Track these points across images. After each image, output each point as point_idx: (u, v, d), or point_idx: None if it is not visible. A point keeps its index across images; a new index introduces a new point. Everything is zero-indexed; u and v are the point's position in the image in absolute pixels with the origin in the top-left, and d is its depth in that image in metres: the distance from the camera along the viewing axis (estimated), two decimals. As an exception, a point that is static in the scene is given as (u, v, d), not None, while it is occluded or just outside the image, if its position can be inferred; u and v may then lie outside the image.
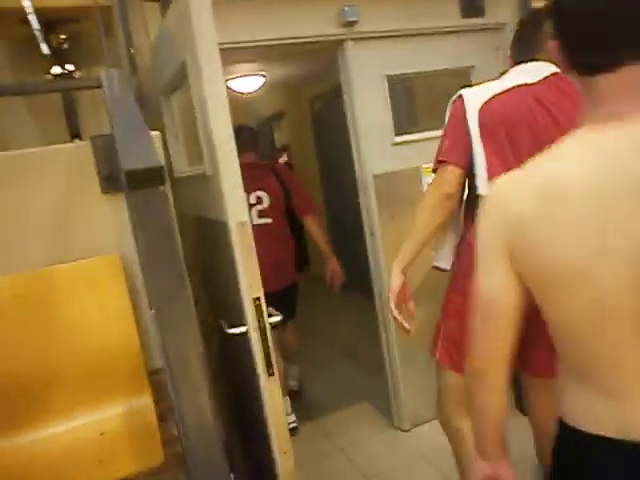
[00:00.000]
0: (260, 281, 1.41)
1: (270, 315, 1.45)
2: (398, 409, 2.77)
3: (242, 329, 1.42)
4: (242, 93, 4.17)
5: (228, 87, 4.00)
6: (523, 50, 1.61)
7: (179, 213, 1.81)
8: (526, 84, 1.54)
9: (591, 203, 0.73)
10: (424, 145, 2.63)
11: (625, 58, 0.71)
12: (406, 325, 1.64)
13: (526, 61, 1.58)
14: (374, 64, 2.55)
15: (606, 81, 0.74)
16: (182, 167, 2.07)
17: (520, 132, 1.49)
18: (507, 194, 0.82)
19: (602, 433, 0.81)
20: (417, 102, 3.21)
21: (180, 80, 1.70)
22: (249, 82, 4.03)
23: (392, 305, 1.65)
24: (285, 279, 2.83)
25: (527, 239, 0.78)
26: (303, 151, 5.84)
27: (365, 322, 3.58)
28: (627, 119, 0.73)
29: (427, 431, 2.66)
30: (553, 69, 1.51)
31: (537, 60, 1.54)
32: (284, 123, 6.16)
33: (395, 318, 1.65)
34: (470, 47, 2.72)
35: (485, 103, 1.54)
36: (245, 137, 2.77)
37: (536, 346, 1.29)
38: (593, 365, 0.81)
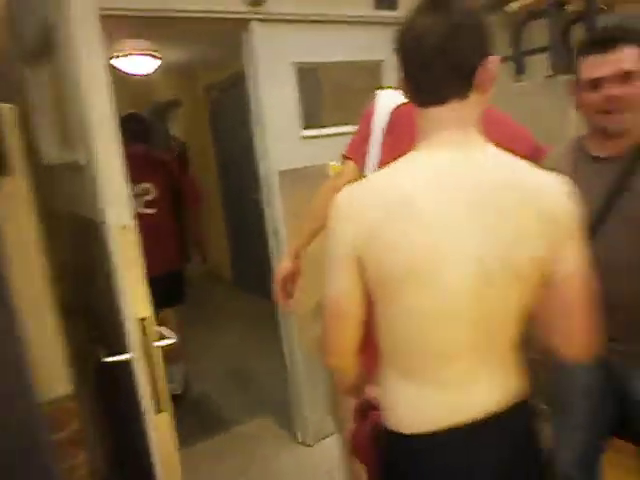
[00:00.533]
0: (148, 298, 1.15)
1: (162, 338, 1.20)
2: (301, 422, 2.59)
3: (124, 357, 1.15)
4: (132, 75, 3.76)
5: (116, 67, 3.58)
6: None
7: (50, 210, 1.48)
8: None
9: (429, 214, 0.83)
10: (331, 141, 2.49)
11: (446, 97, 0.86)
12: (288, 306, 1.71)
13: None
14: (282, 50, 2.34)
15: (437, 114, 0.87)
16: (53, 153, 1.72)
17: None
18: (355, 203, 0.89)
19: (437, 429, 0.90)
20: (325, 96, 3.04)
21: (46, 44, 1.37)
22: (141, 63, 3.63)
23: (276, 285, 1.68)
24: (165, 265, 2.88)
25: (373, 245, 0.86)
26: (199, 143, 5.47)
27: (267, 327, 3.36)
28: (455, 143, 0.87)
29: (334, 444, 2.50)
30: None
31: None
32: (179, 112, 5.74)
33: (277, 298, 1.69)
34: (381, 40, 2.60)
35: (398, 106, 1.50)
36: (134, 128, 2.81)
37: None
38: (429, 362, 0.91)
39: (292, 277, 1.70)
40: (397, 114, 1.49)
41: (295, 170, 2.44)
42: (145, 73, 3.77)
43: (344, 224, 0.89)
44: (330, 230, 0.91)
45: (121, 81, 4.34)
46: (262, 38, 2.28)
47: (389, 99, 1.53)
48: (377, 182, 0.91)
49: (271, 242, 2.49)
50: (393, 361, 0.95)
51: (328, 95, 2.87)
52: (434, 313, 0.87)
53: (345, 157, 1.61)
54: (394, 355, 0.95)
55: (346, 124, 2.47)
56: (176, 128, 5.91)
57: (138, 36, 3.27)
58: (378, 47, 2.61)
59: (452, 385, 0.91)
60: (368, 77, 2.72)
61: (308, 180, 2.47)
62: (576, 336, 0.91)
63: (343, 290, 0.90)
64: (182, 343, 2.94)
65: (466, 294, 0.85)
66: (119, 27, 2.12)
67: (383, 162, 1.48)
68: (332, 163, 2.52)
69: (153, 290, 1.19)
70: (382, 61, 2.64)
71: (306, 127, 2.47)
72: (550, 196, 0.87)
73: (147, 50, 3.45)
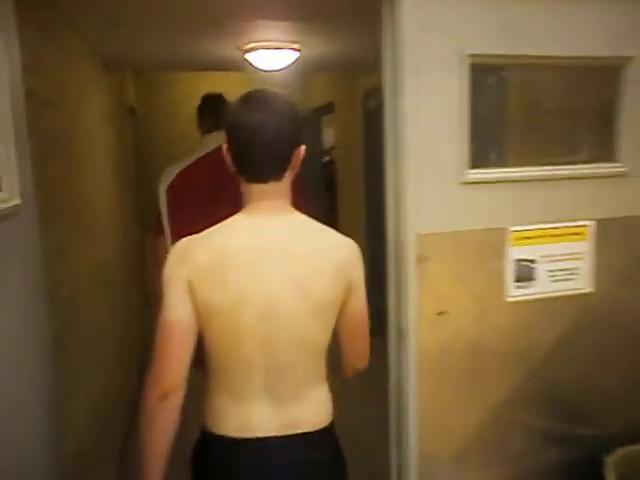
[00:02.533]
0: None
1: None
2: None
3: None
4: (266, 71, 3.08)
5: (248, 61, 2.92)
6: (210, 120, 2.00)
7: None
8: (208, 153, 1.84)
9: (242, 262, 1.06)
10: (518, 189, 1.48)
11: (269, 178, 1.08)
12: None
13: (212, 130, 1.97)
14: (446, 34, 1.38)
15: (259, 188, 1.09)
16: None
17: (203, 200, 1.73)
18: (189, 249, 1.09)
19: (232, 435, 1.11)
20: (515, 113, 1.96)
21: None
22: (276, 57, 2.92)
23: None
24: None
25: (201, 282, 1.06)
26: (350, 159, 4.65)
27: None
28: (268, 212, 1.10)
29: None
30: None
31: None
32: (330, 119, 4.98)
33: None
34: (630, 23, 1.49)
35: (172, 181, 1.84)
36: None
37: None
38: (231, 377, 1.12)
39: None
40: (171, 189, 1.85)
41: (448, 235, 1.47)
42: (280, 68, 3.05)
43: (179, 264, 1.07)
44: (167, 269, 1.08)
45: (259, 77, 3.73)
46: (413, 14, 1.33)
47: (166, 177, 1.87)
48: (204, 237, 1.09)
49: (392, 346, 1.54)
50: (215, 375, 1.13)
51: (517, 115, 1.80)
52: (235, 338, 1.07)
53: (155, 235, 1.93)
54: (215, 371, 1.13)
55: (545, 164, 1.43)
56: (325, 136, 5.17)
57: (268, 17, 2.52)
58: (624, 34, 1.51)
59: (248, 401, 1.11)
60: (594, 88, 1.62)
61: (467, 252, 1.48)
62: (362, 353, 1.21)
63: (179, 316, 1.06)
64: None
65: (256, 326, 1.06)
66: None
67: (173, 232, 1.83)
68: (513, 228, 1.50)
69: None
70: (631, 58, 1.52)
71: (475, 166, 1.47)
72: (341, 255, 1.12)
73: (282, 41, 2.71)
